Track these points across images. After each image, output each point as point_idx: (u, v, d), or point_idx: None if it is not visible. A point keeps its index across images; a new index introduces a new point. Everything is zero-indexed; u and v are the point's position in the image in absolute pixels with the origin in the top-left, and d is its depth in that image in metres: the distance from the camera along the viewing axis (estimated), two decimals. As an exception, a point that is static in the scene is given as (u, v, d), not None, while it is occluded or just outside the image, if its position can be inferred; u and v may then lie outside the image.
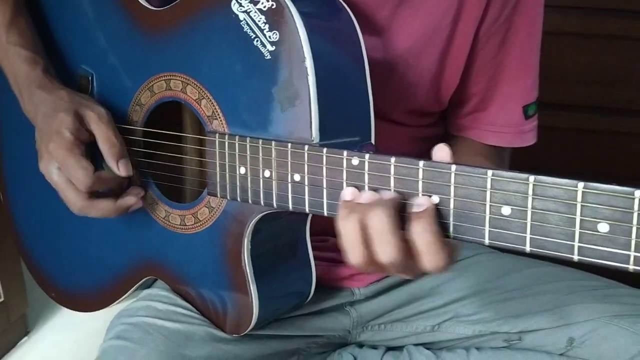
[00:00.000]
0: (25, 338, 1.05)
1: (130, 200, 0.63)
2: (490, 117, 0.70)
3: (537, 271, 0.71)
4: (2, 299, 0.99)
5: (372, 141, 0.59)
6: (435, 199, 0.44)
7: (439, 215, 0.44)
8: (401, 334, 0.72)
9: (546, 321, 0.65)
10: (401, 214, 0.45)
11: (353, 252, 0.46)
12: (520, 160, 1.57)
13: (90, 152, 0.62)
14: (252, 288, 0.60)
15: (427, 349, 0.72)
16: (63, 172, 0.60)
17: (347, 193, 0.47)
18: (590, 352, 0.64)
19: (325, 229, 0.72)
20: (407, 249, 0.43)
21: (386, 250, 0.43)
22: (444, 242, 0.43)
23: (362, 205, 0.45)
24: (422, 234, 0.42)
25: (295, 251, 0.64)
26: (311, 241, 0.71)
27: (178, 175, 0.64)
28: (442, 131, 0.80)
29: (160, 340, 0.59)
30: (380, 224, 0.43)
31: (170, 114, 0.66)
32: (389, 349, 0.73)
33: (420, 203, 0.43)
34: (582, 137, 1.54)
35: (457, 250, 0.45)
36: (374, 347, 0.73)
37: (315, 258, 0.70)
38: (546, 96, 1.52)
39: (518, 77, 0.68)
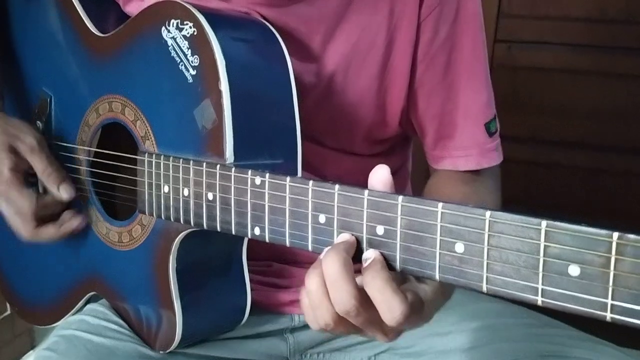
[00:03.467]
0: (31, 352, 1.08)
1: (74, 222, 0.66)
2: (456, 142, 0.69)
3: (481, 306, 0.69)
4: (8, 312, 1.02)
5: (299, 163, 0.60)
6: (380, 229, 0.42)
7: (386, 246, 0.43)
8: (339, 363, 0.71)
9: (472, 359, 0.64)
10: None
11: (318, 310, 0.43)
12: (532, 196, 1.56)
13: (34, 177, 0.65)
14: (176, 304, 0.61)
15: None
16: (9, 204, 0.64)
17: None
18: None
19: (270, 254, 0.73)
20: (364, 298, 0.41)
21: (340, 298, 0.41)
22: (396, 288, 0.40)
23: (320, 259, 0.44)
24: (371, 282, 0.41)
25: (228, 272, 0.65)
26: (255, 266, 0.72)
27: (117, 193, 0.67)
28: (403, 163, 0.80)
29: (83, 353, 0.60)
30: (332, 270, 0.41)
31: (119, 134, 0.69)
32: (327, 378, 0.72)
33: (367, 257, 0.43)
34: (593, 175, 1.51)
35: (417, 300, 0.43)
36: (311, 376, 0.73)
37: (257, 282, 0.71)
38: (556, 133, 1.51)
39: (472, 96, 0.68)
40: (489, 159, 0.68)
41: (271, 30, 0.60)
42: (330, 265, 0.41)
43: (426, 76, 0.66)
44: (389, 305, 0.40)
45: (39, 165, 0.64)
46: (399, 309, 0.40)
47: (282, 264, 0.73)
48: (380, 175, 0.44)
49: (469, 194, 0.68)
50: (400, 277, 0.45)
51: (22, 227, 0.65)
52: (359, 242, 0.44)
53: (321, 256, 0.43)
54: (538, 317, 0.67)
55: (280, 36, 0.60)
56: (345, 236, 0.44)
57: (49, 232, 0.65)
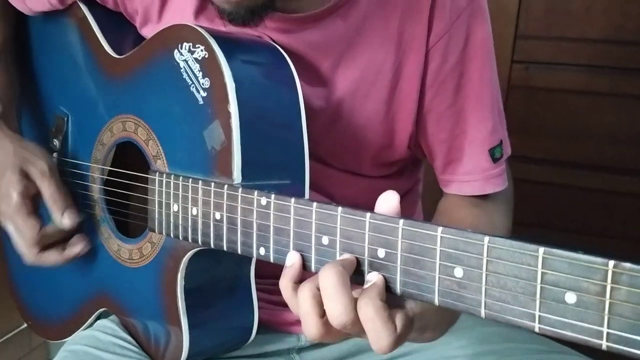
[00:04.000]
0: (46, 365, 1.09)
1: (76, 249, 0.69)
2: (463, 167, 0.70)
3: (489, 331, 0.69)
4: (24, 326, 1.03)
5: (306, 185, 0.61)
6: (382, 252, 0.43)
7: (386, 269, 0.43)
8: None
9: None
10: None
11: (309, 320, 0.44)
12: (548, 218, 1.54)
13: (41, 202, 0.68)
14: (183, 322, 0.61)
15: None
16: (15, 229, 0.67)
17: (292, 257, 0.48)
18: None
19: (276, 272, 0.73)
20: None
21: (334, 308, 0.41)
22: (386, 320, 0.41)
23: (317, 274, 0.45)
24: (364, 307, 0.41)
25: (236, 291, 0.66)
26: (260, 284, 0.72)
27: (128, 211, 0.68)
28: (413, 185, 0.80)
29: None
30: (328, 281, 0.42)
31: (132, 153, 0.70)
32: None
33: (369, 279, 0.43)
34: (610, 198, 1.49)
35: (405, 331, 0.43)
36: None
37: (263, 301, 0.71)
38: (573, 155, 1.50)
39: (479, 122, 0.68)
40: (493, 185, 0.68)
41: (282, 54, 0.62)
42: (327, 278, 0.42)
43: (435, 102, 0.67)
44: (377, 336, 0.41)
45: (47, 191, 0.67)
46: (386, 341, 0.41)
47: (289, 282, 0.73)
48: (388, 202, 0.44)
49: (480, 216, 0.68)
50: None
51: (26, 252, 0.67)
52: (359, 263, 0.44)
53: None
54: (548, 343, 0.66)
55: (291, 59, 0.61)
56: (346, 255, 0.45)
57: (52, 258, 0.68)
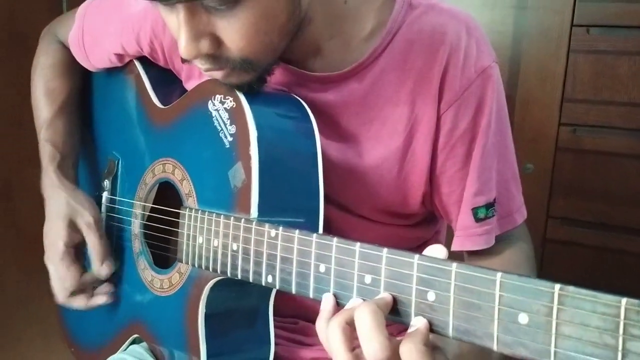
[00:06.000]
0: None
1: (100, 299, 0.78)
2: (457, 229, 0.73)
3: None
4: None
5: (320, 224, 0.65)
6: (432, 295, 0.43)
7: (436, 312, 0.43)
8: None
9: None
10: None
11: (339, 354, 0.45)
12: (598, 282, 1.50)
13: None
14: (202, 348, 0.66)
15: None
16: (55, 272, 0.78)
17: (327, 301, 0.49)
18: None
19: (297, 311, 0.78)
20: (395, 349, 0.42)
21: (370, 348, 0.42)
22: None
23: (347, 309, 0.46)
24: (407, 353, 0.41)
25: (254, 324, 0.70)
26: (281, 322, 0.77)
27: (163, 244, 0.75)
28: (433, 236, 0.83)
29: None
30: (363, 321, 0.43)
31: (173, 192, 0.78)
32: None
33: (414, 324, 0.44)
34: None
35: None
36: None
37: (282, 338, 0.75)
38: (624, 219, 1.47)
39: (469, 182, 0.70)
40: (472, 243, 0.71)
41: (303, 106, 0.68)
42: (363, 317, 0.43)
43: (447, 165, 0.70)
44: None
45: (91, 241, 0.77)
46: None
47: (307, 322, 0.77)
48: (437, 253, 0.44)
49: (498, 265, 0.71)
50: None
51: (59, 293, 0.77)
52: (403, 304, 0.45)
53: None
54: None
55: (313, 114, 0.67)
56: (384, 294, 0.45)
57: (79, 302, 0.78)
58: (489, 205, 0.70)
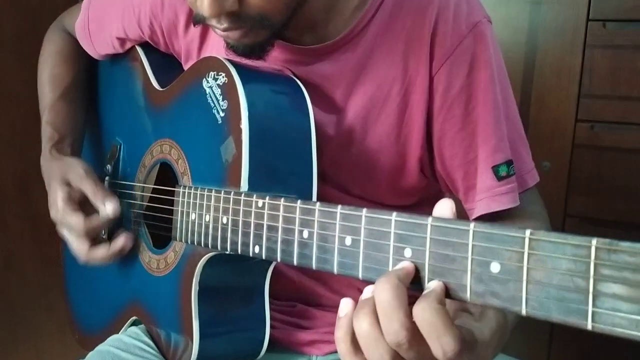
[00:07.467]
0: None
1: (120, 241, 0.75)
2: (477, 190, 0.70)
3: None
4: None
5: (314, 199, 0.65)
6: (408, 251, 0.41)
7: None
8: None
9: None
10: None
11: (372, 349, 0.41)
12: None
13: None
14: (194, 325, 0.66)
15: None
16: (68, 229, 0.76)
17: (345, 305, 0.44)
18: None
19: (295, 295, 0.77)
20: (417, 330, 0.39)
21: (391, 328, 0.39)
22: (448, 322, 0.38)
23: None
24: (420, 313, 0.38)
25: (249, 302, 0.69)
26: (280, 305, 0.76)
27: (160, 224, 0.75)
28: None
29: None
30: (383, 297, 0.39)
31: (168, 172, 0.78)
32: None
33: (429, 286, 0.40)
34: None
35: (471, 338, 0.41)
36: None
37: (280, 321, 0.75)
38: (634, 217, 1.43)
39: (484, 142, 0.68)
40: (498, 203, 0.68)
41: (296, 82, 0.68)
42: (382, 292, 0.40)
43: (446, 126, 0.68)
44: (440, 341, 0.38)
45: (88, 188, 0.75)
46: (450, 345, 0.37)
47: (306, 305, 0.76)
48: (444, 209, 0.42)
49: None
50: (452, 313, 0.43)
51: (78, 247, 0.75)
52: (418, 270, 0.41)
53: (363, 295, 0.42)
54: None
55: (306, 89, 0.67)
56: (405, 263, 0.42)
57: (101, 252, 0.75)
58: (509, 162, 0.68)
